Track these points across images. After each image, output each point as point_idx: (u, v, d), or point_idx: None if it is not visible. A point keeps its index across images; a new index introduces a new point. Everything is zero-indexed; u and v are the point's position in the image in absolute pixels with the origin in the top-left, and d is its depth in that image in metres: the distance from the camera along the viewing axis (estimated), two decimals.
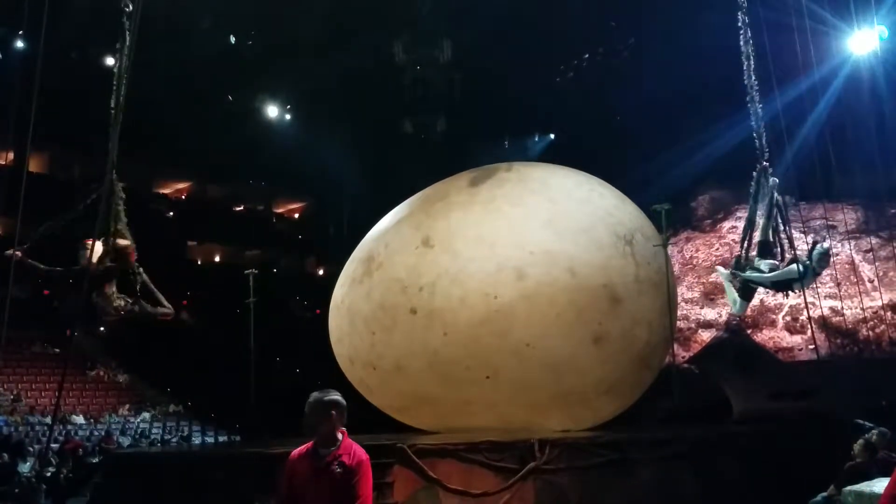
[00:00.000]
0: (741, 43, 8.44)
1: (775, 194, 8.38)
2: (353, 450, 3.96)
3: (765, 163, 8.40)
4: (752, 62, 8.38)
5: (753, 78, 8.37)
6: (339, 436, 3.98)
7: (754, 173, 8.49)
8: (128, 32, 7.22)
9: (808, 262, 8.03)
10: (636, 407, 10.88)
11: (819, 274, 8.33)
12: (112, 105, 7.29)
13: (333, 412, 3.98)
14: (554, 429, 9.20)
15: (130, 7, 7.18)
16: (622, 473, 8.29)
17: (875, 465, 6.90)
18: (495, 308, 9.26)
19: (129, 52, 7.27)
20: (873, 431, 7.48)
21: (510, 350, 9.23)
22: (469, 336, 9.30)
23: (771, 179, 8.37)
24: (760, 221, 8.54)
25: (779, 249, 8.46)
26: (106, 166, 7.27)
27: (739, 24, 8.45)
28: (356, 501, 3.87)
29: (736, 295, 8.98)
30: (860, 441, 7.17)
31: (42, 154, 26.18)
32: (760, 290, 9.42)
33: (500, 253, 9.48)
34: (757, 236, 8.62)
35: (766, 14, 8.92)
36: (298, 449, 4.04)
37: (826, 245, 8.48)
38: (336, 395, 4.05)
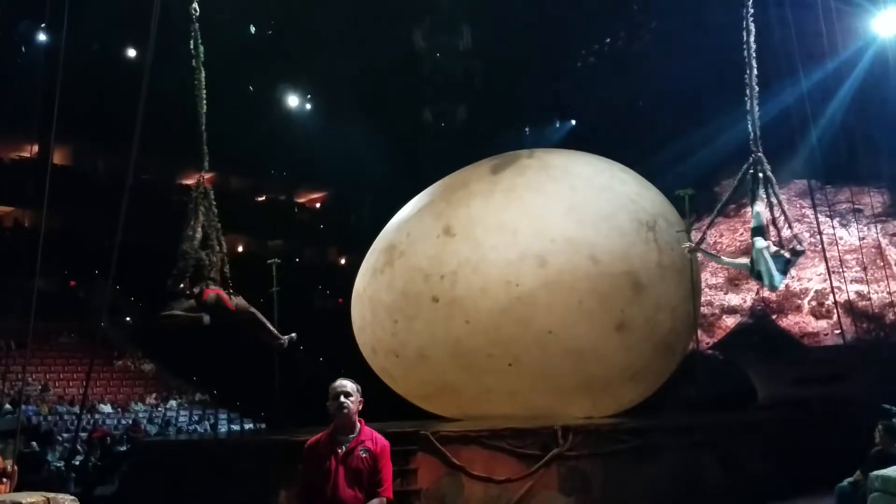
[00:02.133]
0: (744, 28, 8.05)
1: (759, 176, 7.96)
2: (374, 436, 3.99)
3: (759, 153, 8.04)
4: (751, 49, 7.96)
5: (755, 66, 7.96)
6: (357, 423, 4.00)
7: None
8: (198, 37, 7.37)
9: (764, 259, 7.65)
10: (659, 393, 10.84)
11: (784, 273, 7.92)
12: (198, 108, 7.44)
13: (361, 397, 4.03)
14: (576, 416, 9.19)
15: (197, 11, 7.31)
16: (645, 460, 8.27)
17: None
18: (517, 296, 9.25)
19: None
20: None
21: (532, 338, 9.23)
22: (491, 324, 9.31)
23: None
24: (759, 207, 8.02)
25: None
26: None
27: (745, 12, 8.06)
28: (381, 486, 3.90)
29: (773, 268, 8.20)
30: (880, 426, 7.07)
31: (65, 147, 26.41)
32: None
33: (522, 241, 9.46)
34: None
35: None
36: (314, 437, 4.06)
37: (801, 248, 7.94)
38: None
